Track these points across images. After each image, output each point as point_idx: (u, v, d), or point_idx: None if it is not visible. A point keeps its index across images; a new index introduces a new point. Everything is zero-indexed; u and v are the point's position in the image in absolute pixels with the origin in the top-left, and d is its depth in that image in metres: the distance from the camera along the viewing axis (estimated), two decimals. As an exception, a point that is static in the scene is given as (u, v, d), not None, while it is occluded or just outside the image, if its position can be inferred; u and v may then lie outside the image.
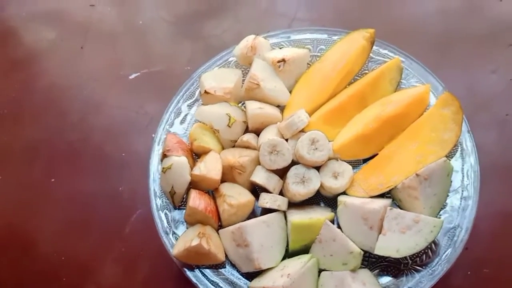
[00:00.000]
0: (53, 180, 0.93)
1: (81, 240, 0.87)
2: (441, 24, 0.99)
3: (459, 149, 0.78)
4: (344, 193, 0.78)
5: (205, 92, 0.85)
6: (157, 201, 0.80)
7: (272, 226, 0.75)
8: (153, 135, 0.93)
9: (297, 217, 0.74)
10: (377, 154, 0.81)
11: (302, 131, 0.81)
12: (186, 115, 0.89)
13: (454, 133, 0.77)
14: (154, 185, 0.81)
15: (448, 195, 0.75)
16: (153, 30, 1.08)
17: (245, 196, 0.78)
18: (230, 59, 0.92)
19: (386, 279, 0.73)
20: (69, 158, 0.94)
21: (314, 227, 0.73)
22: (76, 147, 0.95)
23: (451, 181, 0.76)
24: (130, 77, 1.02)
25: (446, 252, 0.72)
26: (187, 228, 0.78)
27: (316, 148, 0.77)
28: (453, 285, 0.75)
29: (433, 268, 0.71)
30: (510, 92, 0.89)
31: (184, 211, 0.79)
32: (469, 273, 0.76)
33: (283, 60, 0.86)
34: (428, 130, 0.79)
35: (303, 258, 0.72)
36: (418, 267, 0.72)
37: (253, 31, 1.02)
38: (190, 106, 0.89)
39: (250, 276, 0.75)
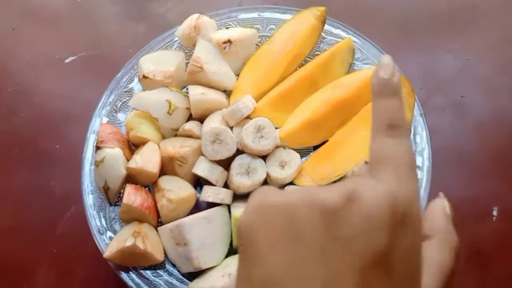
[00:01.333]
0: (-21, 176, 0.85)
1: (11, 241, 0.80)
2: (398, 3, 0.94)
3: (411, 133, 0.74)
4: (291, 183, 0.73)
5: (144, 76, 0.78)
6: (89, 198, 0.74)
7: (214, 221, 0.69)
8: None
9: (241, 210, 0.69)
10: (327, 141, 0.76)
11: (248, 118, 0.75)
12: (124, 102, 0.82)
13: (406, 117, 0.73)
14: (88, 180, 0.75)
15: (400, 183, 0.71)
16: (93, 9, 0.99)
17: (186, 190, 0.72)
18: (173, 40, 0.85)
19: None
20: (-1, 151, 0.86)
21: (258, 222, 0.68)
22: (6, 140, 0.87)
23: (404, 168, 0.72)
24: (66, 61, 0.93)
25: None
26: (121, 226, 0.72)
27: (262, 136, 0.72)
28: None
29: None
30: (466, 73, 0.85)
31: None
32: (421, 264, 0.73)
33: (229, 41, 0.80)
34: (380, 114, 0.74)
35: (247, 255, 0.67)
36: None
37: (199, 10, 0.95)
38: (129, 92, 0.82)
39: (192, 276, 0.70)
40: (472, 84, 0.84)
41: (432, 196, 0.70)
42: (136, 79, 0.82)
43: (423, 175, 0.71)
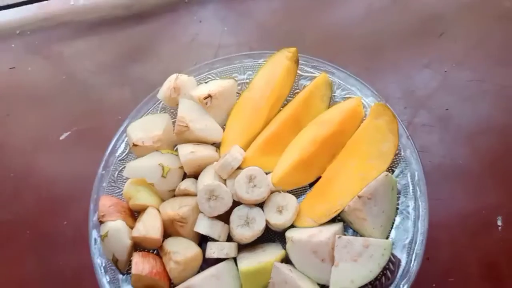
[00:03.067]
0: (-6, 265, 0.88)
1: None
2: (368, 25, 0.96)
3: (402, 158, 0.75)
4: (292, 226, 0.74)
5: (134, 145, 0.81)
6: (102, 271, 0.76)
7: (222, 277, 0.71)
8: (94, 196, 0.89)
9: (246, 262, 0.70)
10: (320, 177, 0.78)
11: (240, 168, 0.77)
12: (121, 171, 0.84)
13: (392, 143, 0.74)
14: (96, 256, 0.77)
15: (397, 208, 0.72)
16: (78, 83, 1.03)
17: (192, 250, 0.74)
18: (157, 103, 0.88)
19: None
20: (6, 240, 0.89)
21: (264, 271, 0.69)
22: (9, 228, 0.90)
23: (398, 193, 0.73)
24: (61, 138, 0.97)
25: (406, 269, 0.68)
26: (137, 295, 0.74)
27: (255, 185, 0.73)
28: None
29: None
30: (446, 84, 0.87)
31: (132, 276, 0.75)
32: (434, 285, 0.73)
33: (209, 96, 0.82)
34: (365, 144, 0.76)
35: (259, 306, 0.68)
36: (378, 292, 0.69)
37: (178, 67, 0.98)
38: (123, 161, 0.85)
39: (210, 333, 0.71)
40: (454, 95, 0.86)
41: (434, 216, 0.70)
42: (128, 147, 0.85)
43: (421, 200, 0.71)
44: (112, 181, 0.83)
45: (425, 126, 0.83)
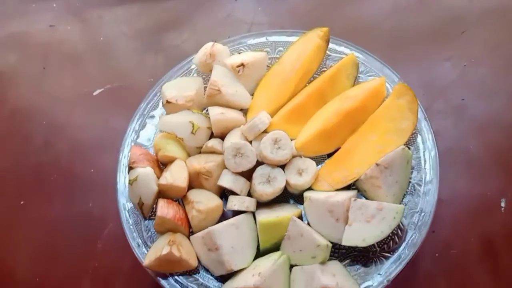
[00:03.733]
0: (22, 202, 0.92)
1: (54, 261, 0.87)
2: (394, 20, 1.02)
3: (418, 137, 0.80)
4: (310, 188, 0.79)
5: (167, 101, 0.86)
6: (126, 214, 0.80)
7: (241, 227, 0.76)
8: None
9: (265, 216, 0.75)
10: (340, 148, 0.83)
11: (265, 132, 0.82)
12: (151, 126, 0.89)
13: (410, 122, 0.80)
14: (123, 198, 0.82)
15: (410, 181, 0.77)
16: (115, 45, 1.08)
17: (213, 201, 0.79)
18: (191, 68, 0.93)
19: (356, 268, 0.74)
20: (37, 182, 0.94)
21: (281, 225, 0.74)
22: (44, 170, 0.95)
23: (412, 168, 0.78)
24: (94, 94, 1.02)
25: (412, 237, 0.73)
26: (157, 237, 0.79)
27: (279, 148, 0.78)
28: (422, 268, 0.77)
29: (400, 254, 0.72)
30: (464, 78, 0.92)
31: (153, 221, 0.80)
32: (437, 255, 0.78)
33: (242, 65, 0.88)
34: (386, 121, 0.81)
35: (274, 255, 0.73)
36: (386, 254, 0.73)
37: (212, 39, 1.04)
38: (154, 117, 0.90)
39: (225, 279, 0.75)
40: (470, 88, 0.91)
41: (442, 194, 0.75)
42: (160, 104, 0.90)
43: (432, 176, 0.76)
44: (141, 135, 0.89)
45: (440, 113, 0.88)
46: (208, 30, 1.07)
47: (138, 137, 0.88)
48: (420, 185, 0.77)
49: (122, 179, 0.84)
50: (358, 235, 0.71)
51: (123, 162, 0.85)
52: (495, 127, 0.87)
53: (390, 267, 0.72)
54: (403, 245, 0.73)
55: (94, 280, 0.84)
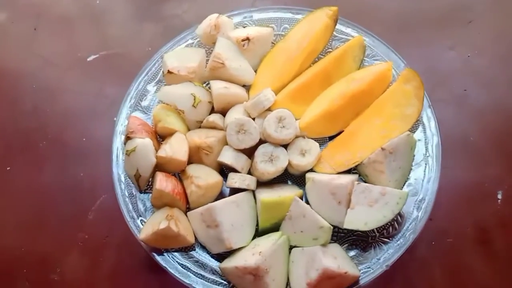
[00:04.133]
0: (8, 168, 0.88)
1: (42, 230, 0.84)
2: (401, 4, 1.00)
3: (421, 123, 0.80)
4: (311, 170, 0.78)
5: (168, 72, 0.83)
6: (121, 186, 0.78)
7: (241, 205, 0.74)
8: (115, 119, 0.90)
9: (267, 195, 0.74)
10: (343, 131, 0.82)
11: (269, 110, 0.80)
12: (149, 96, 0.86)
13: (416, 108, 0.79)
14: (118, 169, 0.79)
15: (411, 168, 0.77)
16: (111, 10, 1.03)
17: (213, 177, 0.77)
18: (192, 39, 0.90)
19: (355, 253, 0.74)
20: (25, 147, 0.90)
21: (283, 205, 0.73)
22: (32, 135, 0.91)
23: (414, 155, 0.78)
24: (88, 59, 0.97)
25: (412, 223, 0.73)
26: (153, 212, 0.77)
27: (283, 126, 0.77)
28: (418, 255, 0.77)
29: (399, 240, 0.73)
30: (467, 68, 0.92)
31: (151, 194, 0.78)
32: (433, 243, 0.78)
33: (247, 39, 0.85)
34: (391, 106, 0.80)
35: (274, 235, 0.72)
36: (385, 239, 0.74)
37: (214, 11, 1.00)
38: (153, 87, 0.87)
39: (221, 257, 0.74)
40: (473, 79, 0.91)
41: (440, 181, 0.75)
42: (159, 75, 0.87)
43: (433, 162, 0.76)
44: (139, 105, 0.85)
45: (442, 101, 0.88)
46: (210, 2, 1.03)
47: (135, 107, 0.85)
48: (421, 172, 0.77)
49: (117, 150, 0.81)
50: (360, 218, 0.71)
51: (119, 131, 0.82)
52: (496, 119, 0.88)
53: (387, 252, 0.72)
54: (402, 231, 0.73)
55: (83, 252, 0.82)
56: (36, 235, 0.83)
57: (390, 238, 0.73)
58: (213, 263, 0.74)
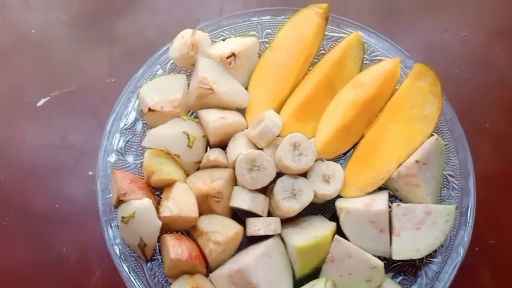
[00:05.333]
0: (-32, 260, 0.71)
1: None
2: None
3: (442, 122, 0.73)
4: (338, 196, 0.69)
5: (149, 109, 0.69)
6: (122, 261, 0.64)
7: (273, 256, 0.64)
8: (90, 173, 0.76)
9: (299, 238, 0.64)
10: (357, 143, 0.73)
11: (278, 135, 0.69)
12: (129, 141, 0.72)
13: (435, 106, 0.72)
14: (114, 241, 0.65)
15: (443, 175, 0.70)
16: (53, 38, 0.85)
17: (232, 228, 0.65)
18: (165, 62, 0.76)
19: (406, 280, 0.66)
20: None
21: (321, 246, 0.64)
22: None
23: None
24: (38, 104, 0.80)
25: (459, 236, 0.67)
26: (167, 282, 0.64)
27: (301, 154, 0.67)
28: (466, 264, 0.70)
29: (450, 256, 0.66)
30: (466, 50, 0.86)
31: (159, 260, 0.65)
32: (477, 249, 0.73)
33: (233, 55, 0.73)
34: (407, 107, 0.72)
35: (318, 284, 0.62)
36: (432, 259, 0.67)
37: (179, 23, 0.86)
38: (129, 130, 0.73)
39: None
40: (474, 59, 0.85)
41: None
42: (134, 113, 0.73)
43: (468, 167, 0.70)
44: (119, 154, 0.71)
45: (448, 90, 0.81)
46: (171, 11, 0.88)
47: (112, 156, 0.70)
48: (452, 176, 0.71)
49: (106, 216, 0.67)
50: (410, 245, 0.63)
51: (101, 191, 0.68)
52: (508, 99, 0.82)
53: (443, 273, 0.65)
54: (452, 246, 0.67)
55: None
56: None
57: (438, 256, 0.67)
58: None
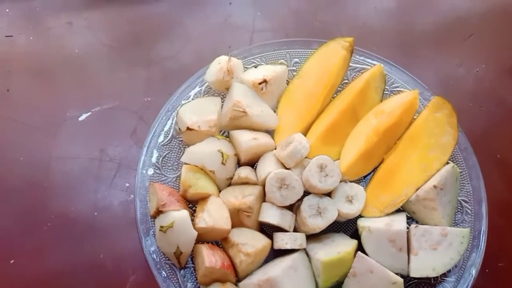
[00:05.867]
0: (12, 261, 0.76)
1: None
2: (401, 20, 0.98)
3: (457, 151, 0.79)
4: (360, 215, 0.74)
5: (188, 129, 0.75)
6: (158, 267, 0.69)
7: (299, 269, 0.68)
8: (127, 184, 0.81)
9: (324, 253, 0.68)
10: (376, 168, 0.78)
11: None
12: (165, 157, 0.77)
13: (451, 136, 0.77)
14: (151, 249, 0.70)
15: (457, 200, 0.76)
16: (93, 58, 0.92)
17: (261, 241, 0.70)
18: (201, 85, 0.82)
19: (420, 297, 0.71)
20: (25, 233, 0.77)
21: (344, 261, 0.68)
22: (32, 217, 0.78)
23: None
24: (80, 119, 0.86)
25: (472, 257, 0.71)
26: (200, 289, 0.69)
27: (327, 175, 0.72)
28: (476, 285, 0.75)
29: (463, 275, 0.70)
30: (479, 84, 0.92)
31: (191, 269, 0.70)
32: (487, 270, 0.77)
33: (265, 81, 0.79)
34: (426, 136, 0.78)
35: (341, 297, 0.67)
36: (446, 278, 0.71)
37: (211, 49, 0.93)
38: (166, 146, 0.78)
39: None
40: (487, 94, 0.91)
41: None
42: (171, 131, 0.78)
43: (481, 193, 0.75)
44: (157, 168, 0.77)
45: (462, 122, 0.86)
46: (205, 38, 0.95)
47: (152, 170, 0.76)
48: (466, 202, 0.76)
49: (144, 225, 0.72)
50: (427, 264, 0.68)
51: (139, 204, 0.73)
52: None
53: (455, 291, 0.70)
54: (465, 266, 0.71)
55: None
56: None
57: (451, 276, 0.71)
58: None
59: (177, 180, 0.76)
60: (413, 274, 0.68)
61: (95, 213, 0.79)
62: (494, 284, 0.77)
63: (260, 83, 0.79)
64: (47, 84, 0.89)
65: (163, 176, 0.76)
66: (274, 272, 0.66)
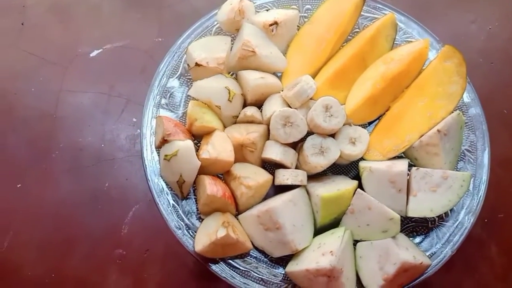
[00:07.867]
0: (19, 185, 0.78)
1: (71, 251, 0.75)
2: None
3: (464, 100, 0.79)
4: (361, 158, 0.75)
5: (196, 64, 0.75)
6: (161, 195, 0.70)
7: (298, 203, 0.70)
8: (134, 119, 0.82)
9: (323, 190, 0.69)
10: (382, 115, 0.79)
11: (311, 98, 0.75)
12: (172, 93, 0.78)
13: (459, 86, 0.77)
14: (154, 176, 0.71)
15: (461, 148, 0.76)
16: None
17: (262, 176, 0.72)
18: (212, 26, 0.82)
19: (417, 240, 0.72)
20: (34, 159, 0.79)
21: (343, 198, 0.69)
22: (41, 145, 0.80)
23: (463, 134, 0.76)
24: (91, 55, 0.87)
25: (471, 203, 0.72)
26: (199, 219, 0.70)
27: (331, 115, 0.72)
28: (474, 235, 0.76)
29: (461, 221, 0.71)
30: (491, 41, 0.91)
31: (193, 200, 0.72)
32: (486, 220, 0.78)
33: (275, 23, 0.79)
34: (434, 85, 0.77)
35: (337, 232, 0.68)
36: (444, 222, 0.72)
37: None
38: (176, 82, 0.79)
39: (280, 260, 0.70)
40: (497, 51, 0.90)
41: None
42: (180, 68, 0.79)
43: (485, 141, 0.75)
44: (164, 104, 0.77)
45: (470, 75, 0.86)
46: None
47: (158, 105, 0.77)
48: (469, 151, 0.76)
49: (149, 153, 0.73)
50: (425, 205, 0.68)
51: (147, 133, 0.74)
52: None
53: (452, 235, 0.71)
54: (463, 212, 0.72)
55: (124, 270, 0.74)
56: (66, 258, 0.74)
57: (449, 221, 0.72)
58: (273, 268, 0.70)
59: (184, 116, 0.77)
60: (411, 214, 0.69)
61: (102, 145, 0.81)
62: (493, 234, 0.78)
63: (270, 25, 0.79)
64: (60, 20, 0.90)
65: (170, 111, 0.77)
66: (274, 203, 0.68)
